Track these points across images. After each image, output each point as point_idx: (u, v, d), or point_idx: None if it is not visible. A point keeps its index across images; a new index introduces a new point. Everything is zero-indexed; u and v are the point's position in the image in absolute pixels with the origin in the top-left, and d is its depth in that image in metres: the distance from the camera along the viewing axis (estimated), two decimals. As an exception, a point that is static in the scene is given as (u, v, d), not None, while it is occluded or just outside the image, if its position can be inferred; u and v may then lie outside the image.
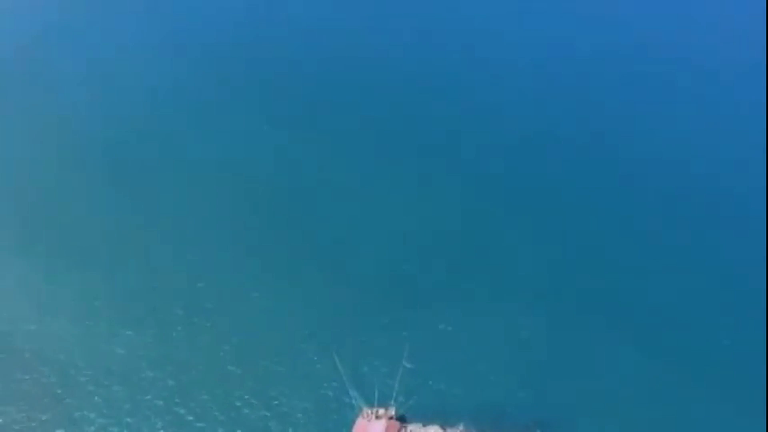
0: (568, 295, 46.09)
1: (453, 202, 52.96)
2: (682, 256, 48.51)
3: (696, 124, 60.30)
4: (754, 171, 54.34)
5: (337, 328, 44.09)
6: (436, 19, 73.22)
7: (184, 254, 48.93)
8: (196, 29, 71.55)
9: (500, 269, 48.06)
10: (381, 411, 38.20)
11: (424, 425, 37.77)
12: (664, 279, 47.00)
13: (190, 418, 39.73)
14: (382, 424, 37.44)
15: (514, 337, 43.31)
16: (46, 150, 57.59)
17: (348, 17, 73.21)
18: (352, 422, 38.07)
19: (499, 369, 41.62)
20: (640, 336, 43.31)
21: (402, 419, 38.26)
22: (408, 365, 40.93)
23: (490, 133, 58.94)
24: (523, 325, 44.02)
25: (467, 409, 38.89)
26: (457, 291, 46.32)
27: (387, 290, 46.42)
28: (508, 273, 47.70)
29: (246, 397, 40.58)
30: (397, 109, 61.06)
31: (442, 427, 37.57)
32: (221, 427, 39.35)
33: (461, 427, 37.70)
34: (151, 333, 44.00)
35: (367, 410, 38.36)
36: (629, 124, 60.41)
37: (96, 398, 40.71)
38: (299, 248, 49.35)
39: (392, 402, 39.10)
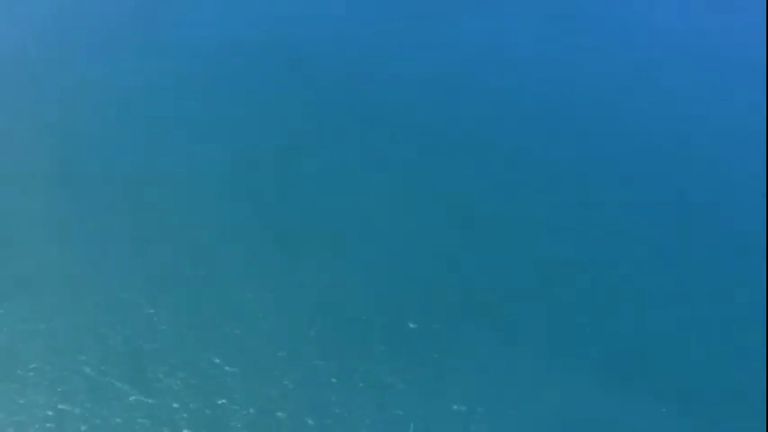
0: (607, 352, 37.56)
1: (457, 234, 46.01)
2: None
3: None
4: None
5: (322, 401, 36.22)
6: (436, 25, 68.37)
7: (134, 308, 42.61)
8: (195, 31, 67.01)
9: (520, 318, 39.73)
10: None
11: None
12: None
13: None
14: None
15: (543, 415, 34.95)
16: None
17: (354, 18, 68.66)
18: None
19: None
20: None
21: None
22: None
23: (499, 147, 53.01)
24: (556, 398, 35.78)
25: None
26: (466, 350, 38.68)
27: (382, 351, 38.90)
28: (531, 323, 39.25)
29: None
30: (401, 117, 55.50)
31: None
32: None
33: None
34: (88, 401, 37.43)
35: None
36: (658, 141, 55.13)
37: None
38: (276, 291, 42.86)
39: None
